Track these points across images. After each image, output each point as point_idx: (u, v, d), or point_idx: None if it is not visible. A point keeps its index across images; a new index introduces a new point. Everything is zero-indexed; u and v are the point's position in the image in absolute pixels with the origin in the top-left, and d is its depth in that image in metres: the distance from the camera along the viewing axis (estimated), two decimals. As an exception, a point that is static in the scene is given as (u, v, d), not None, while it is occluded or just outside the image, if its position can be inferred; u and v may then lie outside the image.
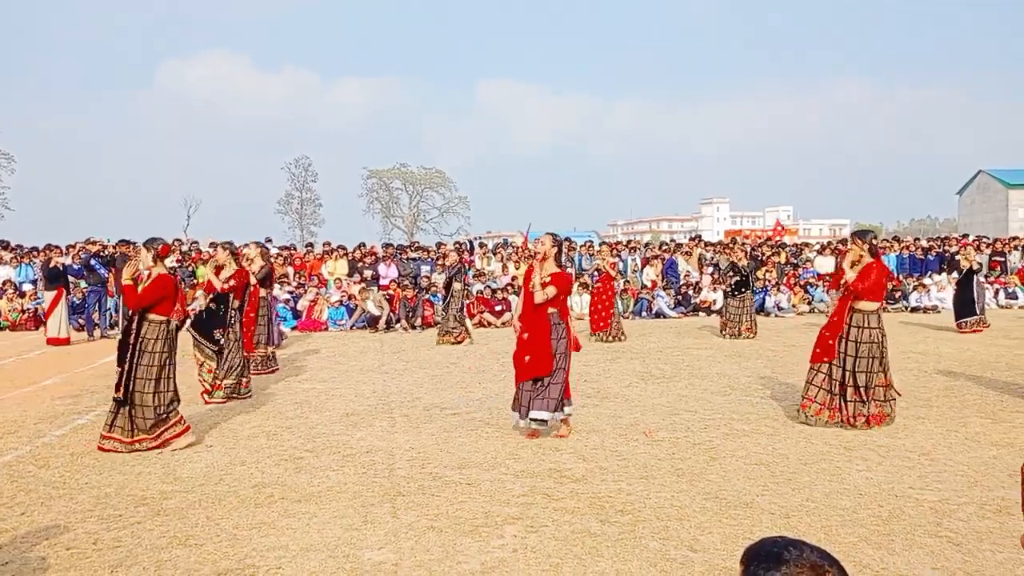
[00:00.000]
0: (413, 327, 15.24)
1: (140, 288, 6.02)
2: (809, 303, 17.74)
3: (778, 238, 22.59)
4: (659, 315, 17.25)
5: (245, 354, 8.16)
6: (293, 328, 15.54)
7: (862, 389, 6.24)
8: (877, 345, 6.29)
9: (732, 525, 4.16)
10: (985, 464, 5.22)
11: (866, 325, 6.32)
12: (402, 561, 3.75)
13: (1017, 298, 18.38)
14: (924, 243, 22.45)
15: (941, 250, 21.02)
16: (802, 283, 18.42)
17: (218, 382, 7.80)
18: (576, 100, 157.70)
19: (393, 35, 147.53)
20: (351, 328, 15.47)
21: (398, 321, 15.34)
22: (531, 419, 5.99)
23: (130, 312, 6.11)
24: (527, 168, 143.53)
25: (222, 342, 7.79)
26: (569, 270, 17.45)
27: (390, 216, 63.14)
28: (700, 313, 17.38)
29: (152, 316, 5.95)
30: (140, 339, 5.89)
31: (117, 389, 5.84)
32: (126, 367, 5.83)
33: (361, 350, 12.27)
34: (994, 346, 11.26)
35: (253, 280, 8.84)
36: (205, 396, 7.72)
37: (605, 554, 3.80)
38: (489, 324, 15.80)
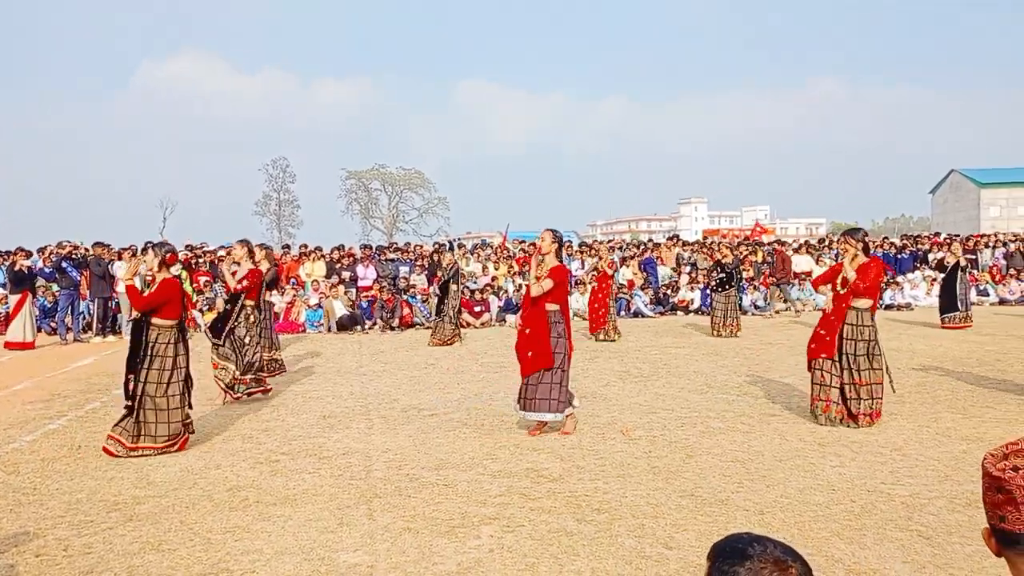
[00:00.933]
0: (391, 328, 15.20)
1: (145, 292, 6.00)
2: (785, 301, 17.90)
3: (756, 239, 22.76)
4: (637, 314, 17.33)
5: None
6: (270, 330, 15.42)
7: (860, 387, 6.30)
8: (874, 342, 6.38)
9: (707, 522, 4.19)
10: (956, 459, 5.30)
11: (861, 323, 6.39)
12: (378, 563, 3.73)
13: (988, 295, 18.67)
14: (898, 241, 22.75)
15: (915, 248, 21.31)
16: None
17: (239, 376, 7.81)
18: (554, 100, 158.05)
19: (370, 36, 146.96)
20: (328, 330, 15.39)
21: (374, 323, 15.30)
22: (530, 419, 6.19)
23: (132, 316, 6.09)
24: (506, 168, 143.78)
25: (245, 339, 7.86)
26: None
27: (369, 217, 62.81)
28: (678, 312, 17.48)
29: (158, 320, 5.90)
30: (149, 345, 5.84)
31: (127, 398, 5.77)
32: (135, 375, 5.78)
33: (339, 352, 12.21)
34: (966, 342, 11.43)
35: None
36: (229, 393, 7.74)
37: (581, 553, 3.81)
38: (468, 324, 15.76)
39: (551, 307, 6.26)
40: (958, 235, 24.28)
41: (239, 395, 7.77)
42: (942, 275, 14.73)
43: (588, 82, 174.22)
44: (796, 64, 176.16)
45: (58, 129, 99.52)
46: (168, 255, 6.13)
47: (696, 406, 7.22)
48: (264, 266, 9.36)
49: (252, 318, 8.04)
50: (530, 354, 6.18)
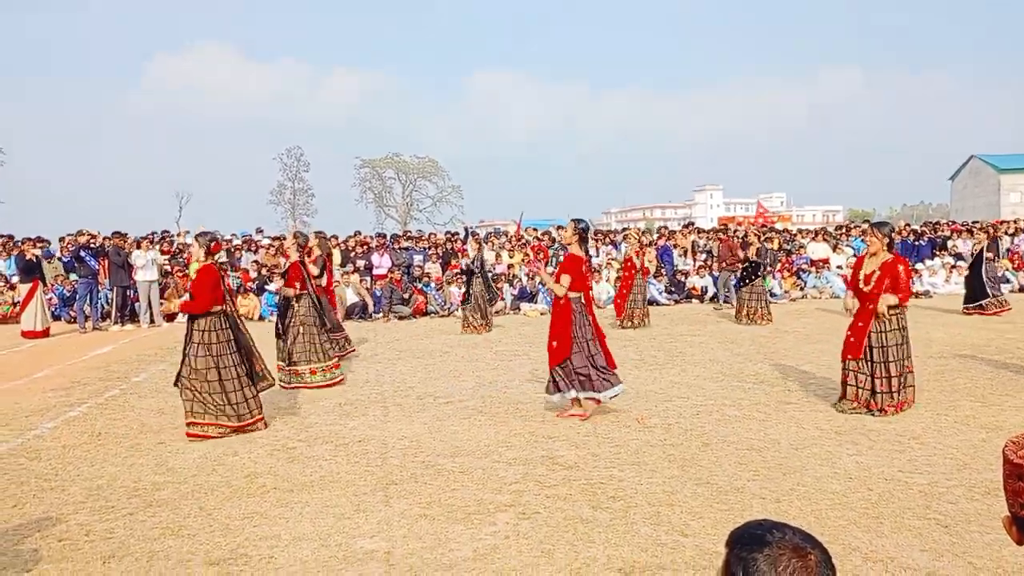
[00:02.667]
0: (399, 318, 15.24)
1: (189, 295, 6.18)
2: (802, 289, 17.79)
3: (762, 221, 22.47)
4: (652, 302, 17.28)
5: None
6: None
7: (893, 379, 6.24)
8: (905, 332, 6.35)
9: (723, 510, 4.19)
10: (974, 447, 5.26)
11: (894, 324, 6.31)
12: (394, 549, 3.76)
13: (1009, 282, 18.46)
14: (916, 228, 22.50)
15: (934, 235, 21.07)
16: (795, 269, 18.47)
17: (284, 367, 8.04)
18: (568, 88, 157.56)
19: (384, 25, 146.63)
20: (343, 318, 15.46)
21: (390, 309, 15.35)
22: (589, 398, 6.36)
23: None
24: (519, 157, 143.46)
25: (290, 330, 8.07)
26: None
27: (383, 206, 62.88)
28: (693, 300, 17.41)
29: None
30: (192, 331, 6.00)
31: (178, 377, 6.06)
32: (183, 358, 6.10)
33: (354, 340, 12.24)
34: (984, 330, 11.31)
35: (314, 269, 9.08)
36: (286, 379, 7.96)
37: (597, 540, 3.81)
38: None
39: (571, 294, 6.33)
40: (977, 222, 23.97)
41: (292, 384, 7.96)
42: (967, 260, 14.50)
43: (603, 70, 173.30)
44: (813, 50, 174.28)
45: (76, 120, 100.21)
46: (213, 244, 6.28)
47: (712, 394, 7.20)
48: (315, 253, 9.66)
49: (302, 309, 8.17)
50: (554, 344, 6.32)
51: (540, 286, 16.92)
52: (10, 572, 3.59)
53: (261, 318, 15.35)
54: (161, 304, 15.08)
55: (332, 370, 8.15)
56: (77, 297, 14.59)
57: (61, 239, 15.87)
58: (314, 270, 8.63)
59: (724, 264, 16.68)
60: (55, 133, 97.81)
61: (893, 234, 6.69)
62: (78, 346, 11.95)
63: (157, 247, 15.80)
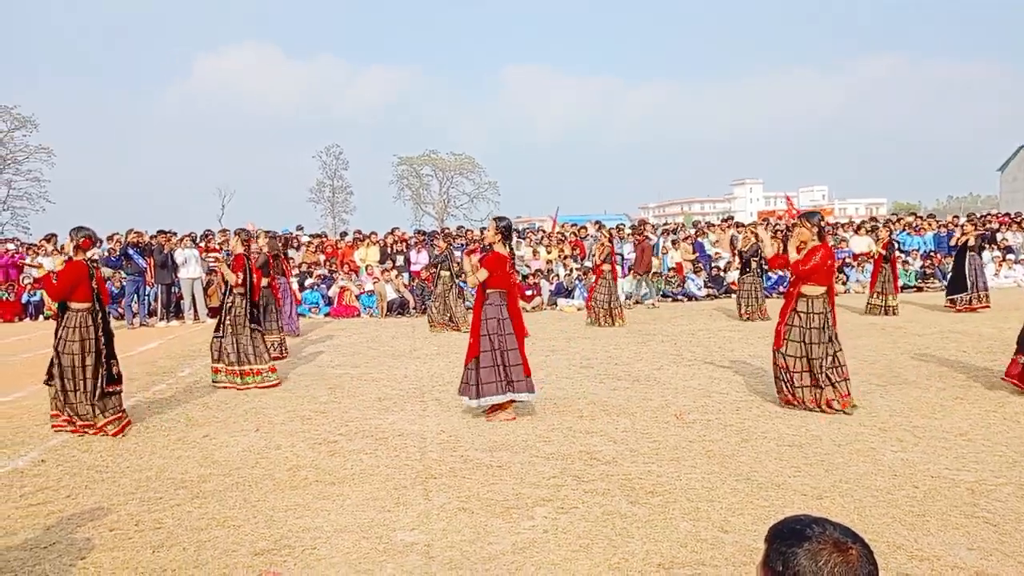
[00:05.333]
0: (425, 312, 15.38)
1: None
2: (844, 283, 17.48)
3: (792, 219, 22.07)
4: (690, 297, 17.15)
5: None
6: (327, 315, 15.76)
7: (815, 375, 6.14)
8: (822, 330, 6.17)
9: (763, 506, 4.15)
10: (1025, 444, 5.12)
11: (811, 310, 6.21)
12: (434, 542, 3.80)
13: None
14: (963, 219, 21.90)
15: (982, 228, 20.49)
16: (837, 263, 18.15)
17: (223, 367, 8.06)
18: (603, 82, 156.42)
19: (420, 21, 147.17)
20: (384, 315, 15.63)
21: (423, 306, 15.48)
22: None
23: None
24: (556, 152, 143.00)
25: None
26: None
27: (421, 203, 63.34)
28: (732, 295, 17.22)
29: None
30: (59, 324, 6.14)
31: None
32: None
33: (393, 335, 12.39)
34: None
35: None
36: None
37: (635, 535, 3.81)
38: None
39: (488, 290, 6.34)
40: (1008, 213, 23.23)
41: (225, 385, 7.92)
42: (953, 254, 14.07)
43: (638, 63, 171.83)
44: (854, 39, 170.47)
45: (122, 121, 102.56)
46: (83, 239, 6.25)
47: (752, 389, 7.12)
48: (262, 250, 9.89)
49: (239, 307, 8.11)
50: (471, 341, 6.34)
51: (576, 282, 16.89)
52: (65, 559, 3.72)
53: (300, 315, 15.58)
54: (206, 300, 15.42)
55: (268, 373, 8.03)
56: (125, 294, 14.98)
57: (109, 238, 16.28)
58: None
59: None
60: (100, 134, 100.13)
61: (822, 223, 6.54)
62: (126, 342, 12.26)
63: (195, 245, 16.11)
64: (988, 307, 13.17)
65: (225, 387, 7.88)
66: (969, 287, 13.18)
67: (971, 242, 13.41)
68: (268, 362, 8.11)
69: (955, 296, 13.36)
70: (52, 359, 6.07)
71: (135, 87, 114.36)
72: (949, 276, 13.94)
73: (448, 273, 12.96)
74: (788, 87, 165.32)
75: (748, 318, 12.86)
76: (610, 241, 13.83)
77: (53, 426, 6.17)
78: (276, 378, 8.08)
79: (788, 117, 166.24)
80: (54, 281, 6.06)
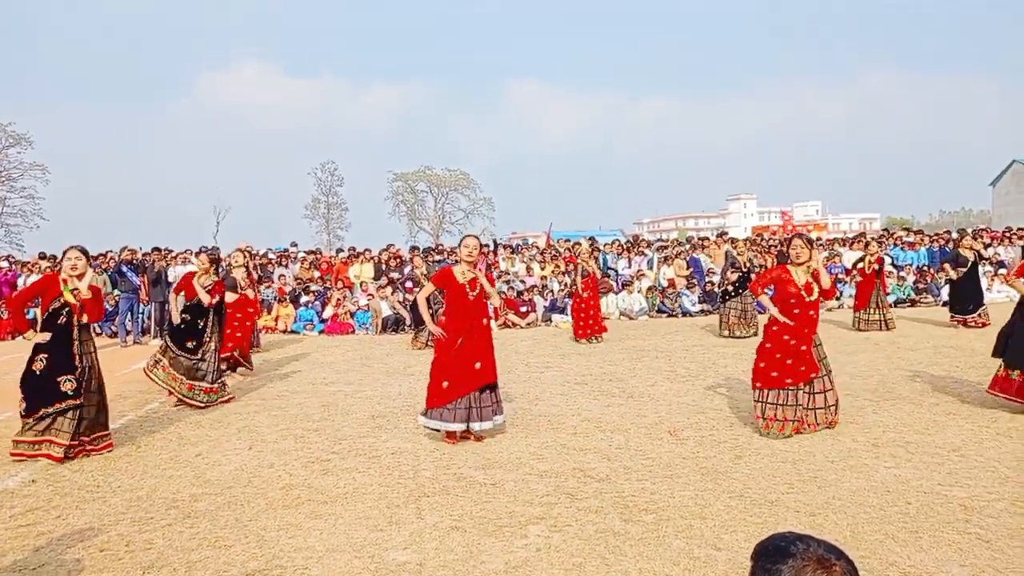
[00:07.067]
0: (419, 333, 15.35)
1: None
2: (838, 298, 17.53)
3: (788, 232, 22.23)
4: (685, 313, 17.17)
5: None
6: (321, 332, 15.73)
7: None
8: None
9: (757, 523, 4.14)
10: (1017, 460, 5.13)
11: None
12: (426, 561, 3.78)
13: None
14: (956, 235, 22.01)
15: (944, 244, 20.60)
16: (831, 278, 18.22)
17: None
18: (599, 99, 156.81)
19: (417, 37, 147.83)
20: (379, 331, 15.61)
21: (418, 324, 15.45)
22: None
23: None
24: (550, 168, 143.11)
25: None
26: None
27: (416, 219, 63.42)
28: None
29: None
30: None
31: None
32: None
33: (387, 352, 12.37)
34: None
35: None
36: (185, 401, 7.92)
37: (629, 553, 3.80)
38: (514, 325, 15.83)
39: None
40: (1022, 228, 23.37)
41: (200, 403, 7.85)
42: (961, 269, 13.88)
43: (633, 80, 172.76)
44: (848, 54, 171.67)
45: (120, 138, 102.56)
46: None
47: (745, 406, 7.12)
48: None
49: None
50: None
51: (566, 299, 16.88)
52: (54, 581, 3.69)
53: (294, 332, 15.57)
54: None
55: (222, 389, 8.20)
56: (119, 312, 14.93)
57: (101, 256, 16.25)
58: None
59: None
60: (96, 151, 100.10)
61: (784, 250, 6.58)
62: (119, 360, 12.22)
63: (189, 262, 16.11)
64: (988, 324, 13.18)
65: (186, 402, 7.82)
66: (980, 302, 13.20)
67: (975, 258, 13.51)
68: (221, 380, 8.34)
69: (967, 316, 13.25)
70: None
71: (136, 105, 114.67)
72: (956, 293, 13.78)
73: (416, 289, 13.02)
74: (784, 102, 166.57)
75: (734, 335, 12.70)
76: (574, 254, 13.77)
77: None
78: (230, 393, 8.38)
79: (784, 132, 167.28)
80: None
